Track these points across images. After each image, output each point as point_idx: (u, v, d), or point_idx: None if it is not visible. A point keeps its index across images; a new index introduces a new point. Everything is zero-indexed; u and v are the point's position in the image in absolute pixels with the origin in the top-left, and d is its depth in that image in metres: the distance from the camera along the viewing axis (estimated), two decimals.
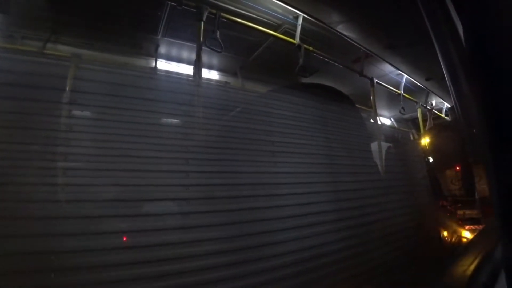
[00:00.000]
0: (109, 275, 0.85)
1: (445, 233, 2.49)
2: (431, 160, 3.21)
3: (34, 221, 0.82)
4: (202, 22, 1.77)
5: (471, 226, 2.73)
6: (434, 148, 3.55)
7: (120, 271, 0.87)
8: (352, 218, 1.49)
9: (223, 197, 1.17)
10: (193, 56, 1.89)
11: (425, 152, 3.50)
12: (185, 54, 2.32)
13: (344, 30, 2.24)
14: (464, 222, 2.83)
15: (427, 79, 3.28)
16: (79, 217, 0.88)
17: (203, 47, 1.78)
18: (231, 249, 1.08)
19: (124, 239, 0.93)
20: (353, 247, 1.42)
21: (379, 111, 3.12)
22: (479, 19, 0.56)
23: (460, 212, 3.00)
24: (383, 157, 2.09)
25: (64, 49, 1.92)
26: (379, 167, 1.93)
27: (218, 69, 2.56)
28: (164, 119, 1.23)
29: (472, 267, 0.87)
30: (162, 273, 0.92)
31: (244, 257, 1.10)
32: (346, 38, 2.30)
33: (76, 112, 1.08)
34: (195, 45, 1.82)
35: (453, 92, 1.02)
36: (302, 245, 1.24)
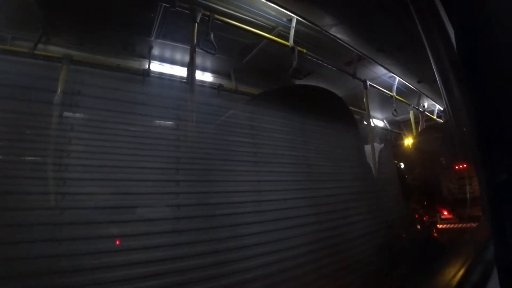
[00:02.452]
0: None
1: (414, 234, 2.50)
2: (402, 165, 3.22)
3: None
4: (196, 24, 1.76)
5: (467, 225, 2.78)
6: (412, 154, 3.59)
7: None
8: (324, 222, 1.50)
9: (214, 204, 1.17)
10: (187, 58, 1.89)
11: (404, 157, 3.55)
12: (178, 55, 2.31)
13: (337, 32, 2.27)
14: (462, 220, 2.87)
15: (419, 82, 3.33)
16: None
17: (196, 49, 1.77)
18: (218, 250, 1.09)
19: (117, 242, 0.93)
20: (328, 248, 1.44)
21: (372, 113, 3.16)
22: (470, 27, 0.57)
23: (460, 210, 3.03)
24: (359, 163, 2.10)
25: (55, 50, 1.91)
26: (353, 173, 1.95)
27: (212, 71, 2.55)
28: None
29: (464, 267, 0.88)
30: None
31: (229, 257, 1.10)
32: (339, 40, 2.33)
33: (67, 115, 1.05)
34: (188, 47, 1.82)
35: (444, 95, 1.03)
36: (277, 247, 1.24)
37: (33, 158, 0.90)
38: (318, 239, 1.35)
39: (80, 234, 0.86)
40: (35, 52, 1.81)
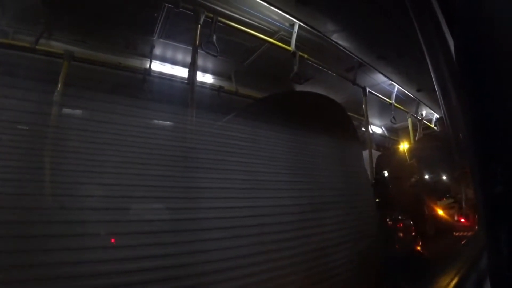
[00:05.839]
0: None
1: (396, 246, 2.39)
2: (386, 173, 3.15)
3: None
4: (199, 26, 1.77)
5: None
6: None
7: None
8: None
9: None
10: (188, 59, 1.89)
11: (400, 165, 3.53)
12: (180, 56, 2.32)
13: (338, 39, 2.28)
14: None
15: (418, 90, 3.36)
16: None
17: (198, 50, 1.78)
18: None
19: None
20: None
21: (370, 119, 3.17)
22: (470, 36, 0.58)
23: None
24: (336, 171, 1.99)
25: (57, 46, 1.90)
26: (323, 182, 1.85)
27: (212, 73, 2.56)
28: None
29: (457, 277, 0.88)
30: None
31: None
32: (340, 47, 2.35)
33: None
34: (190, 48, 1.83)
35: (442, 104, 1.04)
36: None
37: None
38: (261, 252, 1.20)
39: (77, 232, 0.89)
40: (37, 47, 1.81)
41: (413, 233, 2.62)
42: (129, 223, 1.00)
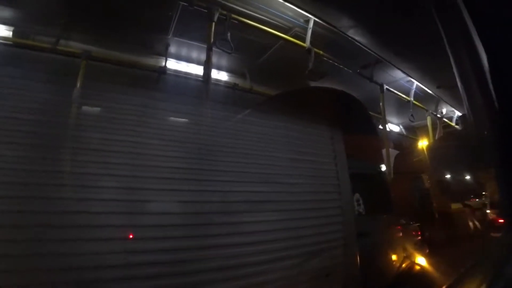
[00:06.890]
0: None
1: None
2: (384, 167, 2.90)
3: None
4: (213, 23, 1.77)
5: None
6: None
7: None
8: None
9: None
10: (203, 56, 1.90)
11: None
12: (194, 54, 2.33)
13: (354, 34, 2.23)
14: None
15: (438, 87, 3.23)
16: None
17: (213, 48, 1.78)
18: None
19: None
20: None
21: (388, 117, 3.09)
22: (501, 38, 0.55)
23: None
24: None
25: (75, 46, 1.95)
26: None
27: (227, 70, 2.56)
28: None
29: (483, 285, 0.83)
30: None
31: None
32: (356, 43, 2.29)
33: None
34: (205, 46, 1.83)
35: (466, 102, 1.00)
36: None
37: None
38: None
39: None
40: (57, 47, 1.86)
41: (419, 239, 2.36)
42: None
